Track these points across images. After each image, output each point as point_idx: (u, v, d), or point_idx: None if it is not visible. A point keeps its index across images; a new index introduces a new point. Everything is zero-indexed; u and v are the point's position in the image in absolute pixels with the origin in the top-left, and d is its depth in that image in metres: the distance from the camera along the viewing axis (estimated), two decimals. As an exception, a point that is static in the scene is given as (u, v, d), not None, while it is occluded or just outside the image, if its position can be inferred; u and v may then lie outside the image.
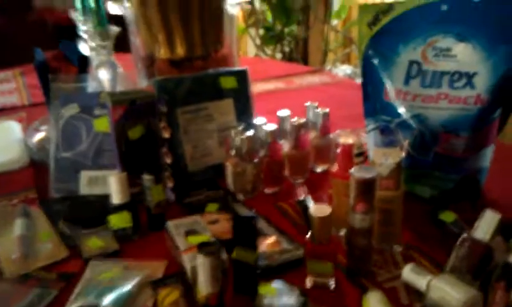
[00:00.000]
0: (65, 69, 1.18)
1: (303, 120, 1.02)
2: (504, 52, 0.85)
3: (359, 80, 1.05)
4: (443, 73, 0.90)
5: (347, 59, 3.63)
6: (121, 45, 1.22)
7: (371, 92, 0.99)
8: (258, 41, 3.33)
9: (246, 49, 3.53)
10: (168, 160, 0.99)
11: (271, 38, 3.32)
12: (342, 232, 0.82)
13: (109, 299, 0.68)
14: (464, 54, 0.88)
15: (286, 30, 3.28)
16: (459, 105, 0.89)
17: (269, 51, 3.36)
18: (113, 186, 0.86)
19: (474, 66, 0.88)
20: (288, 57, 3.29)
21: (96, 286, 0.73)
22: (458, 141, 0.90)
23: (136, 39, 1.19)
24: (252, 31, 3.32)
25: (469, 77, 0.88)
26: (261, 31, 3.32)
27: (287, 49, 3.34)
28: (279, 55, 3.36)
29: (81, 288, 0.74)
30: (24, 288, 0.76)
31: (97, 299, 0.67)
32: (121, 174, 0.87)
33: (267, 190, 1.02)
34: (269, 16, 3.25)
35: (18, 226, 0.89)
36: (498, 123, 0.93)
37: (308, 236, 0.73)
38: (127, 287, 0.72)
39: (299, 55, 3.29)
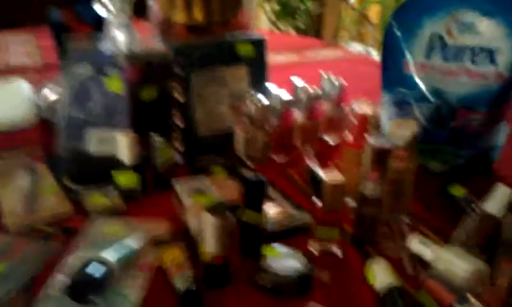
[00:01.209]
0: (80, 29, 1.17)
1: (317, 90, 1.01)
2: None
3: (372, 57, 1.03)
4: (465, 48, 0.89)
5: (360, 38, 3.58)
6: (139, 11, 1.20)
7: (390, 64, 0.97)
8: (272, 17, 3.29)
9: (259, 24, 3.49)
10: (179, 123, 0.98)
11: (286, 13, 3.28)
12: (350, 201, 0.82)
13: (112, 253, 0.67)
14: (487, 30, 0.86)
15: (301, 6, 3.24)
16: (479, 81, 0.88)
17: (282, 27, 3.32)
18: (122, 146, 0.86)
19: (497, 43, 0.86)
20: (301, 33, 3.25)
21: (100, 241, 0.72)
22: (475, 116, 0.89)
23: (154, 4, 1.18)
24: (266, 6, 3.28)
25: (491, 53, 0.87)
26: (275, 6, 3.28)
27: (300, 25, 3.30)
28: (292, 31, 3.33)
29: (84, 242, 0.75)
30: (26, 240, 0.76)
31: (100, 254, 0.66)
32: (131, 135, 0.86)
33: (277, 158, 1.01)
34: (285, -9, 3.21)
35: (22, 180, 0.89)
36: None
37: (317, 202, 0.73)
38: (131, 243, 0.72)
39: (313, 31, 3.25)
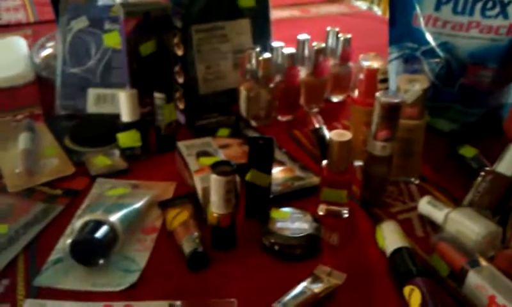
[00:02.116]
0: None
1: (322, 45, 0.97)
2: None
3: (377, 13, 0.99)
4: (476, 0, 0.85)
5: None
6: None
7: (398, 17, 0.94)
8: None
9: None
10: (180, 80, 0.95)
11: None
12: (357, 163, 0.80)
13: (116, 215, 0.65)
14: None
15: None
16: (490, 35, 0.84)
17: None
18: (123, 104, 0.83)
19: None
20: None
21: (104, 203, 0.70)
22: (485, 72, 0.86)
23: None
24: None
25: (503, 6, 0.83)
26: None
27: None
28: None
29: (88, 204, 0.73)
30: (28, 202, 0.74)
31: (104, 215, 0.64)
32: (131, 91, 0.83)
33: (281, 118, 0.99)
34: None
35: (22, 141, 0.86)
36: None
37: (324, 163, 0.70)
38: (135, 205, 0.71)
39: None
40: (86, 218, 0.64)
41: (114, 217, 0.65)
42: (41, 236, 0.68)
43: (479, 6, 0.85)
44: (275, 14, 1.58)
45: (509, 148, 0.71)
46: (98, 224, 0.63)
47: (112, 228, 0.63)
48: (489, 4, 0.84)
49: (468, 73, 0.87)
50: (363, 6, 3.15)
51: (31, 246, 0.66)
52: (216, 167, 0.62)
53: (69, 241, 0.61)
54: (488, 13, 0.84)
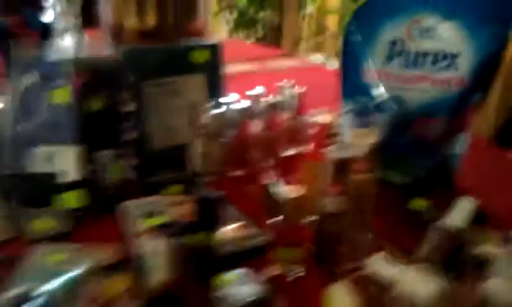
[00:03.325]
0: (27, 36, 1.10)
1: (276, 99, 0.97)
2: (489, 33, 0.82)
3: (331, 67, 1.02)
4: (426, 53, 0.87)
5: (319, 48, 3.60)
6: (89, 17, 1.15)
7: (350, 71, 0.95)
8: (231, 25, 3.27)
9: (218, 34, 3.47)
10: (132, 136, 0.93)
11: (244, 22, 3.27)
12: (311, 218, 0.78)
13: (53, 285, 0.61)
14: (449, 33, 0.85)
15: (260, 15, 3.23)
16: (440, 87, 0.86)
17: (241, 36, 3.31)
18: (68, 161, 0.80)
19: (458, 46, 0.85)
20: (261, 43, 3.25)
21: (41, 272, 0.66)
22: (434, 125, 0.87)
23: (106, 7, 1.11)
24: (225, 15, 3.26)
25: (453, 57, 0.85)
26: (234, 15, 3.26)
27: (260, 35, 3.30)
28: (251, 41, 3.32)
29: (23, 273, 0.67)
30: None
31: (42, 284, 0.60)
32: (78, 148, 0.80)
33: (233, 173, 0.97)
34: (243, 0, 3.20)
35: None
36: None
37: (274, 220, 0.69)
38: (75, 274, 0.66)
39: (272, 41, 3.25)
40: (20, 290, 0.59)
41: (51, 287, 0.60)
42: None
43: (429, 58, 0.87)
44: (232, 68, 1.60)
45: (457, 201, 0.71)
46: (33, 296, 0.58)
47: (49, 300, 0.58)
48: (440, 57, 0.86)
49: (417, 125, 0.88)
50: (320, 58, 3.25)
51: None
52: (161, 229, 0.59)
53: None
54: (439, 65, 0.87)
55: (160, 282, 0.60)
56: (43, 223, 0.78)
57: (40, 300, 0.58)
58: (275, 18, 3.23)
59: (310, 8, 3.37)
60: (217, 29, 3.46)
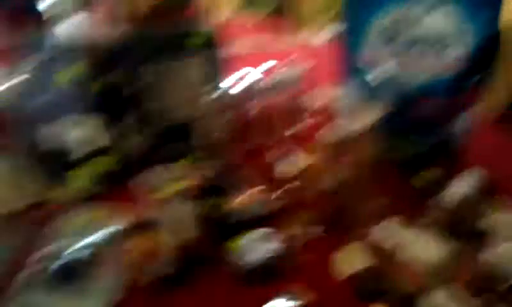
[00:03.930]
0: (31, 20, 1.13)
1: (278, 79, 1.00)
2: (485, 17, 0.85)
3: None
4: (421, 38, 0.90)
5: (326, 26, 3.59)
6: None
7: (350, 54, 0.98)
8: (237, 3, 3.26)
9: (222, 13, 3.46)
10: (138, 115, 0.96)
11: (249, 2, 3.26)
12: (325, 188, 0.81)
13: (86, 241, 0.69)
14: (444, 18, 0.87)
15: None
16: (436, 70, 0.89)
17: (248, 14, 3.30)
18: (82, 135, 0.85)
19: (450, 32, 0.87)
20: (267, 21, 3.24)
21: (74, 230, 0.75)
22: (434, 104, 0.90)
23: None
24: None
25: (448, 41, 0.88)
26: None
27: (266, 13, 3.29)
28: (258, 19, 3.31)
29: (61, 230, 0.75)
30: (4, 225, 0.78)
31: (75, 241, 0.68)
32: (91, 122, 0.85)
33: (243, 147, 1.00)
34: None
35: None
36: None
37: (293, 185, 0.72)
38: (104, 233, 0.74)
39: (279, 19, 3.24)
40: (59, 244, 0.68)
41: (85, 243, 0.69)
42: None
43: (424, 44, 0.90)
44: (233, 47, 1.61)
45: (463, 174, 0.74)
46: (70, 249, 0.67)
47: (84, 253, 0.67)
48: (433, 42, 0.89)
49: (418, 105, 0.92)
50: (327, 36, 3.24)
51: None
52: (182, 195, 0.64)
53: (45, 265, 0.66)
54: (432, 50, 0.89)
55: (182, 241, 0.66)
56: (70, 189, 0.86)
57: (83, 252, 0.67)
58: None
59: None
60: (223, 7, 3.45)
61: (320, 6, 3.48)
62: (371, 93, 0.93)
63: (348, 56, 0.99)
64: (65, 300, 0.63)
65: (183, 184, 0.77)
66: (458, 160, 0.97)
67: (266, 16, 3.24)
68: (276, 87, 1.00)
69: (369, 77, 0.94)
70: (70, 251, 0.66)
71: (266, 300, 0.62)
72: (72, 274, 0.64)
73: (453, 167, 0.87)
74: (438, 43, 0.89)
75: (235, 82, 1.00)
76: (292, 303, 0.61)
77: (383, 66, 0.93)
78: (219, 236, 0.72)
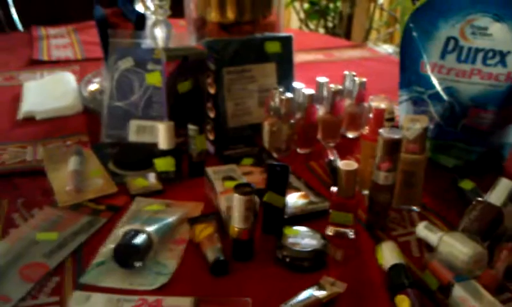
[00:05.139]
0: (123, 26, 1.26)
1: (339, 87, 1.08)
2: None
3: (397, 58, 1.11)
4: (478, 50, 0.95)
5: (390, 39, 3.62)
6: (175, 11, 1.30)
7: (408, 64, 1.04)
8: (302, 15, 3.35)
9: (289, 23, 3.57)
10: (211, 115, 1.07)
11: (315, 12, 3.34)
12: (366, 191, 0.89)
13: (152, 227, 0.77)
14: (499, 34, 0.93)
15: (331, 5, 3.29)
16: (490, 81, 0.94)
17: (312, 26, 3.38)
18: (161, 133, 0.95)
19: (508, 46, 0.92)
20: (331, 33, 3.31)
21: (141, 217, 0.82)
22: (486, 115, 0.95)
23: (190, 3, 1.27)
24: (297, 4, 3.34)
25: (502, 56, 0.93)
26: (306, 5, 3.34)
27: (330, 25, 3.36)
28: (322, 31, 3.38)
29: (128, 217, 0.85)
30: (75, 215, 0.85)
31: (142, 226, 0.76)
32: (169, 123, 0.95)
33: (300, 151, 1.09)
34: (315, -9, 3.27)
35: (72, 163, 0.98)
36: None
37: (334, 189, 0.80)
38: (168, 219, 0.82)
39: (342, 31, 3.31)
40: (127, 228, 0.76)
41: (150, 228, 0.76)
42: (86, 243, 0.79)
43: (480, 55, 0.95)
44: (301, 57, 1.72)
45: (499, 181, 0.79)
46: (136, 232, 0.74)
47: (149, 237, 0.74)
48: (490, 54, 0.94)
49: (470, 115, 0.96)
50: (389, 49, 3.27)
51: (78, 251, 0.77)
52: (238, 188, 0.73)
53: (112, 246, 0.73)
54: (489, 61, 0.94)
55: (237, 230, 0.73)
56: (140, 182, 0.95)
57: (141, 237, 0.73)
58: (346, 9, 3.27)
59: (382, -1, 3.39)
60: (288, 18, 3.56)
61: (383, 19, 3.51)
62: (427, 101, 1.01)
63: (406, 67, 1.05)
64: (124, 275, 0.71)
65: (242, 180, 0.86)
66: (506, 170, 1.01)
67: (333, 27, 3.32)
68: (339, 93, 1.08)
69: (425, 87, 1.01)
70: (131, 234, 0.74)
71: (307, 287, 0.68)
72: (131, 255, 0.72)
73: (499, 176, 0.92)
74: (492, 56, 0.93)
75: (304, 88, 1.09)
76: (325, 292, 0.67)
77: (438, 77, 0.99)
78: (271, 227, 0.81)
